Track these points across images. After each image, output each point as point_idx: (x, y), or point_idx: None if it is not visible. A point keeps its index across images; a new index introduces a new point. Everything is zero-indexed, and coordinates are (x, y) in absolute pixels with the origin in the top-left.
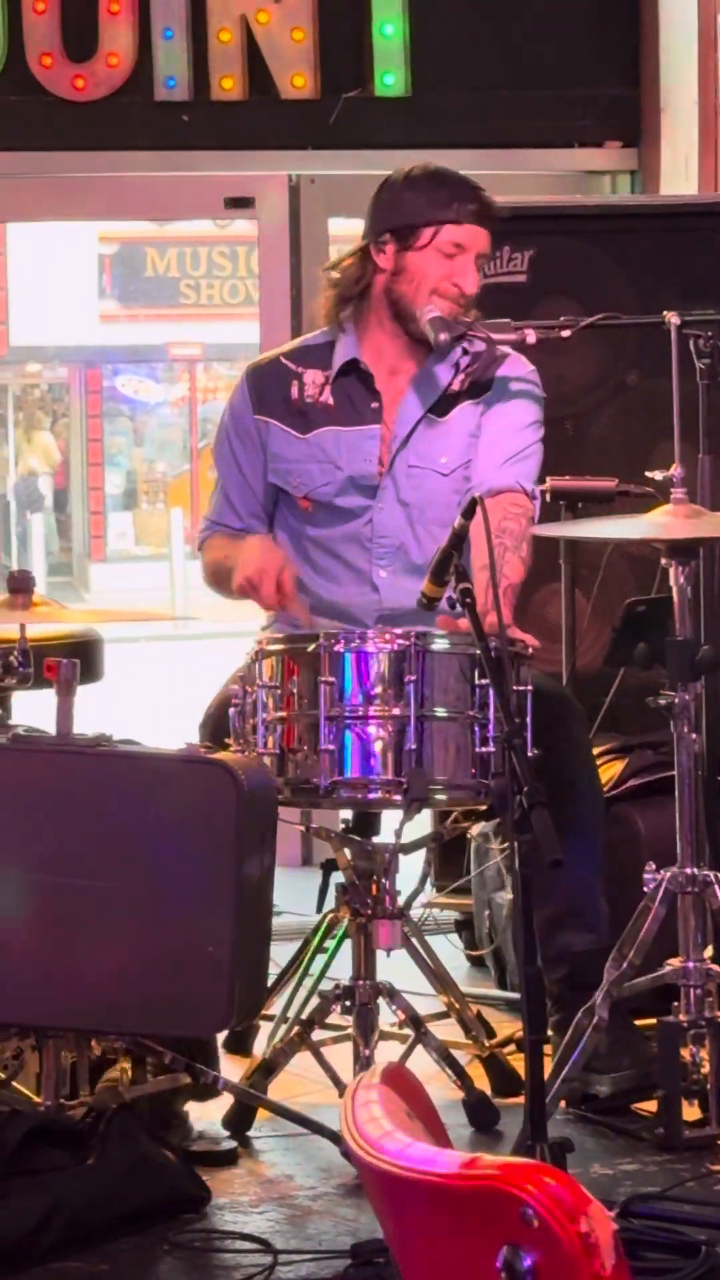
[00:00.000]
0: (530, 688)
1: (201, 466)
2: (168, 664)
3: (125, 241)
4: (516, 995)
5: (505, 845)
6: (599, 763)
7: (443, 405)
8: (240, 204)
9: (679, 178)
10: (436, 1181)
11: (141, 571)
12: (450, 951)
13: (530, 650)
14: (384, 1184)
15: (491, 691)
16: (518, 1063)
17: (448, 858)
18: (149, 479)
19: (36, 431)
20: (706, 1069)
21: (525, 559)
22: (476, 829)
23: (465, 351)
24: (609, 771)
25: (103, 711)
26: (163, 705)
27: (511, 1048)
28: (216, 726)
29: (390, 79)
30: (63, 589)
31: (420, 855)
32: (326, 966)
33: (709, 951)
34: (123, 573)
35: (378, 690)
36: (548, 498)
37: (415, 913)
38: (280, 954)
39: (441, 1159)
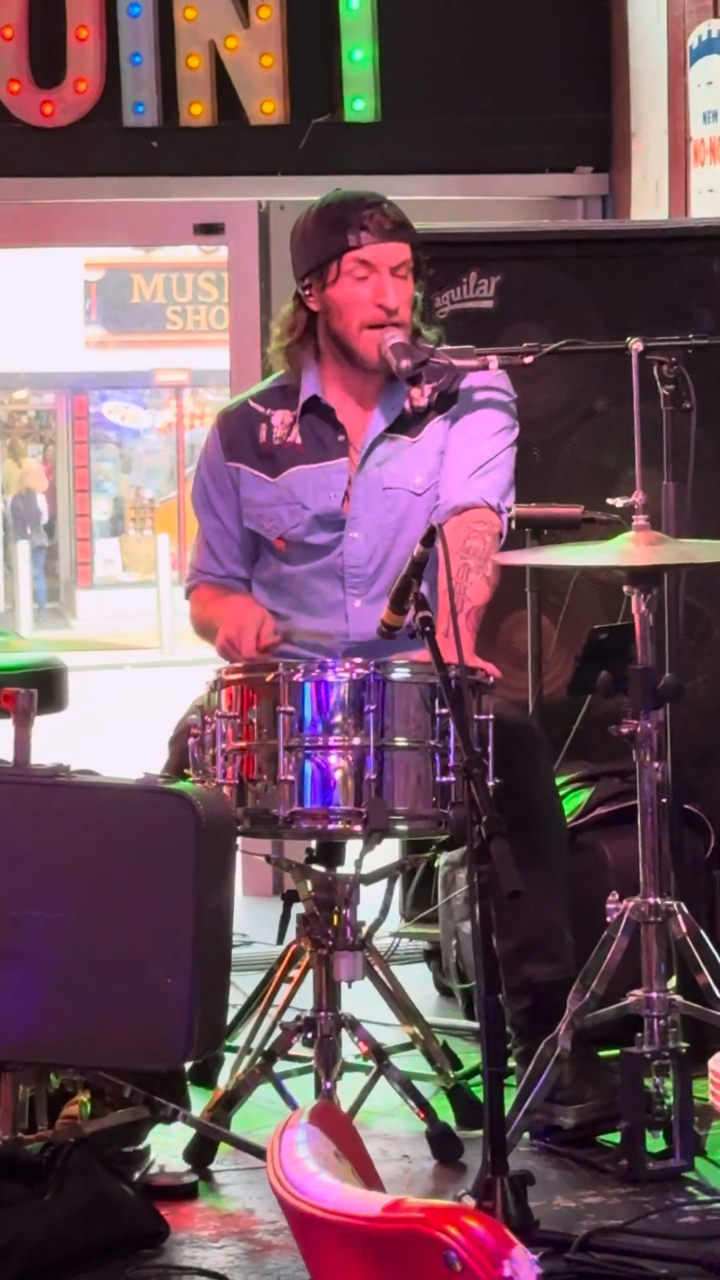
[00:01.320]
0: (491, 717)
1: (188, 493)
2: (154, 691)
3: (111, 268)
4: None
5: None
6: (565, 791)
7: (414, 424)
8: (210, 230)
9: (649, 203)
10: (359, 1224)
11: (128, 598)
12: (421, 981)
13: (491, 679)
14: (308, 1226)
15: (452, 721)
16: (483, 1094)
17: (417, 887)
18: (136, 505)
19: (24, 457)
20: (670, 1100)
21: (490, 579)
22: (445, 858)
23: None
24: (575, 800)
25: (77, 740)
26: (147, 733)
27: (477, 1079)
28: (184, 747)
29: (360, 104)
30: (49, 615)
31: (384, 885)
32: (290, 997)
33: (672, 982)
34: (109, 599)
35: (337, 720)
36: (513, 525)
37: (383, 942)
38: (249, 984)
39: (365, 1201)
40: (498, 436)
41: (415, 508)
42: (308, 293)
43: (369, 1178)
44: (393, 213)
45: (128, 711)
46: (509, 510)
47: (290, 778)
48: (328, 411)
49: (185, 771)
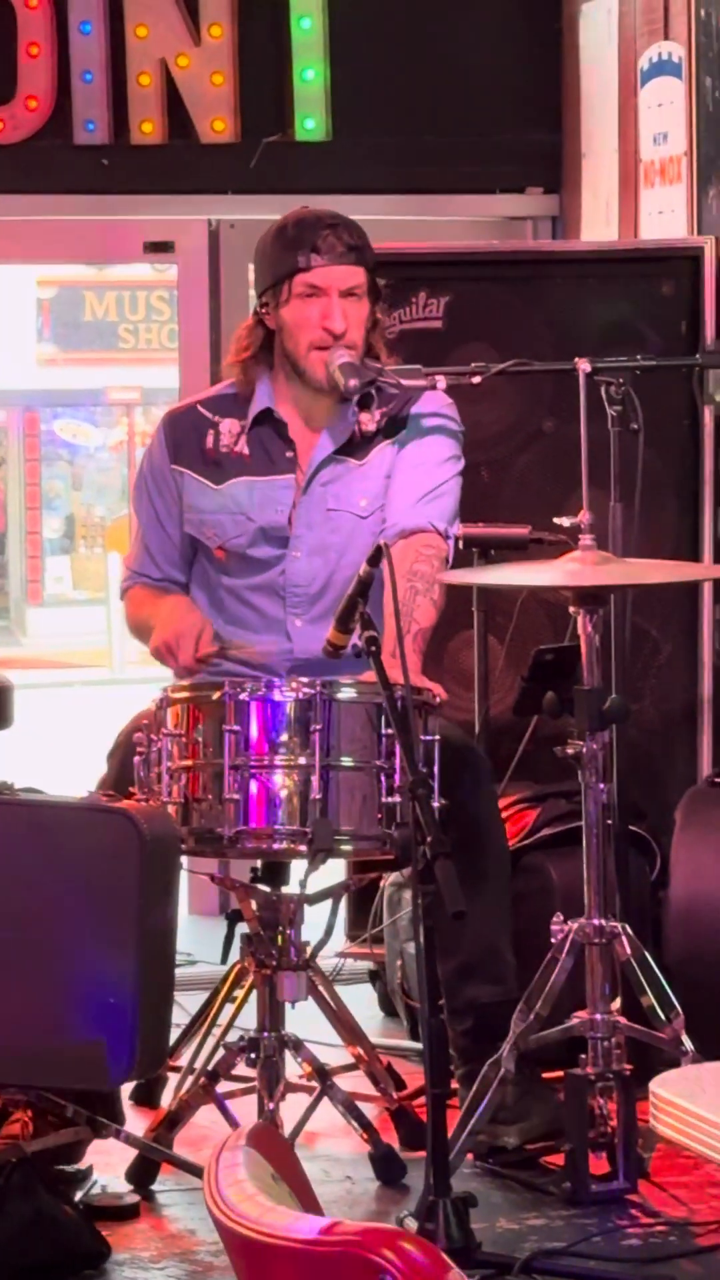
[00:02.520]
0: (437, 737)
1: None
2: (103, 709)
3: (63, 285)
4: None
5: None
6: (511, 812)
7: (361, 448)
8: (160, 248)
9: (600, 224)
10: (295, 1246)
11: (79, 616)
12: (365, 1001)
13: (438, 700)
14: (244, 1248)
15: (398, 741)
16: (426, 1115)
17: (361, 907)
18: (87, 523)
19: None
20: (614, 1123)
21: (437, 602)
22: (390, 879)
23: (365, 396)
24: (521, 821)
25: (23, 758)
26: (94, 751)
27: (421, 1100)
28: (124, 758)
29: (311, 124)
30: None
31: (328, 905)
32: (234, 1017)
33: (616, 1004)
34: (60, 617)
35: (283, 739)
36: (460, 545)
37: (328, 963)
38: (194, 1003)
39: (301, 1224)
40: (445, 464)
41: (360, 530)
42: (264, 310)
43: (306, 1200)
44: (348, 235)
45: (76, 730)
46: (455, 537)
47: (235, 797)
48: (280, 426)
49: (130, 789)
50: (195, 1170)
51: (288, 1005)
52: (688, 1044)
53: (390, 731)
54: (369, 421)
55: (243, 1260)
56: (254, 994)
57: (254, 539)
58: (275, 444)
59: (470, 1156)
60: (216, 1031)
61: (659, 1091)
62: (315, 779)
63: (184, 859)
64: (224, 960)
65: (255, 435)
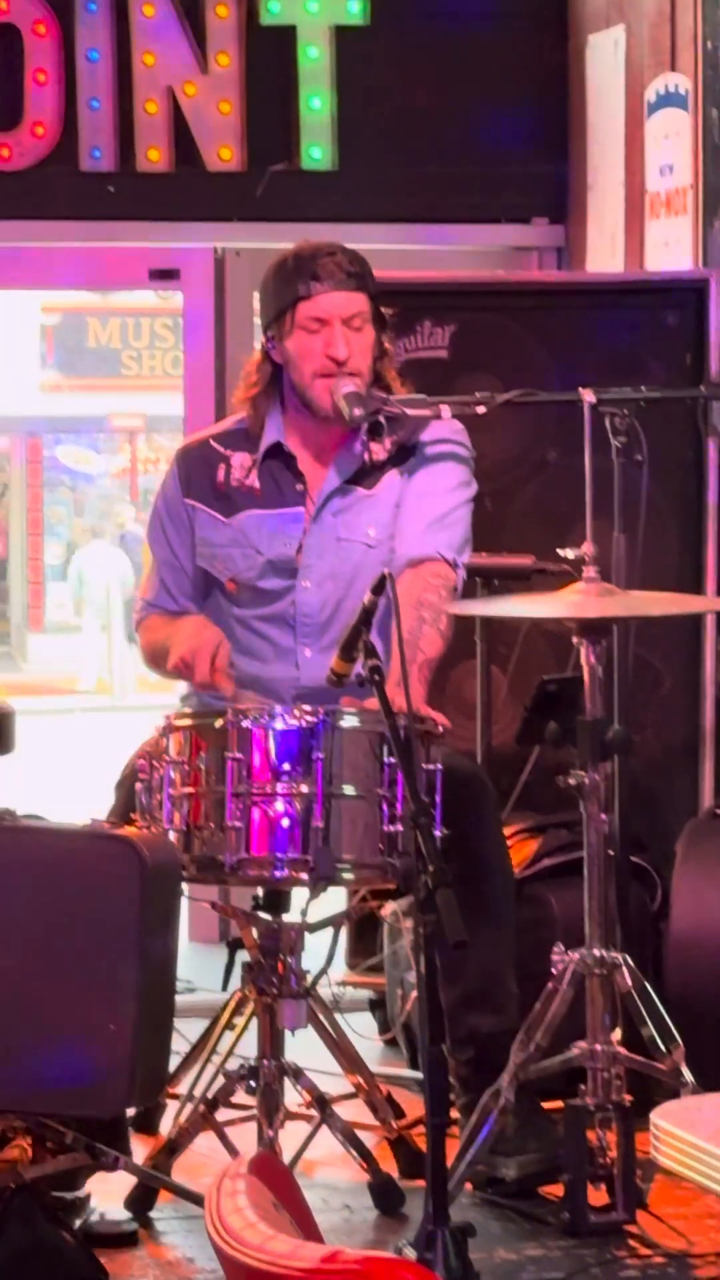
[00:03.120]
0: (440, 766)
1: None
2: (103, 735)
3: (68, 311)
4: None
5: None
6: (513, 842)
7: (370, 477)
8: (165, 276)
9: (605, 255)
10: (297, 1275)
11: (80, 642)
12: (365, 1030)
13: (441, 729)
14: (246, 1276)
15: (400, 770)
16: (426, 1145)
17: (363, 936)
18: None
19: None
20: (613, 1153)
21: (444, 632)
22: (390, 907)
23: (375, 425)
24: (523, 851)
25: (24, 785)
26: (95, 778)
27: (420, 1129)
28: (130, 791)
29: (317, 153)
30: (0, 659)
31: (329, 933)
32: (235, 1045)
33: (617, 1034)
34: (61, 643)
35: (285, 767)
36: (463, 575)
37: (329, 991)
38: (193, 1031)
39: (302, 1252)
40: (455, 491)
41: (369, 559)
42: (271, 345)
43: (308, 1229)
44: (348, 263)
45: (77, 756)
46: (464, 565)
47: (237, 824)
48: (290, 459)
49: (132, 816)
50: (194, 1198)
51: (288, 1033)
52: (687, 1075)
53: (393, 760)
54: (380, 451)
55: None
56: (254, 1022)
57: (263, 571)
58: (285, 477)
59: (469, 1186)
60: (216, 1059)
61: (659, 1122)
62: (317, 807)
63: (185, 886)
64: (224, 988)
65: (266, 469)
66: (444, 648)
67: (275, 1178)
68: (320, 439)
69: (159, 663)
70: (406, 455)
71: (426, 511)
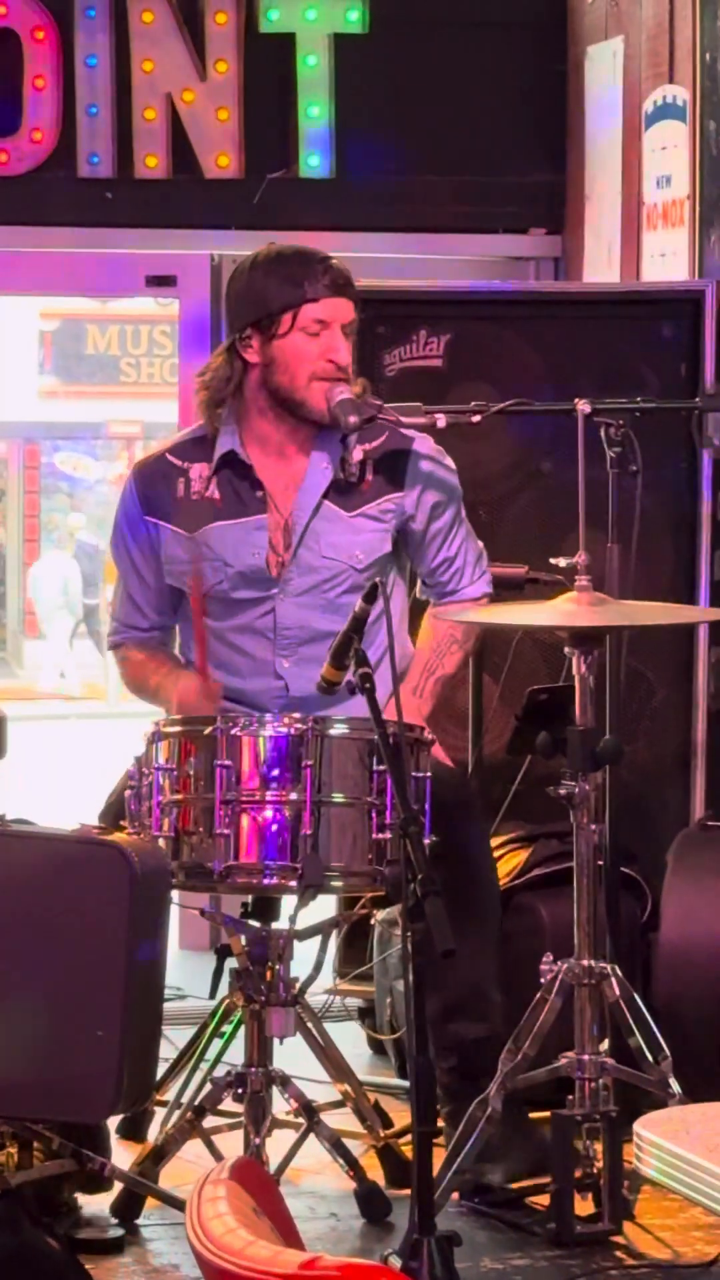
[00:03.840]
0: (429, 774)
1: None
2: (97, 742)
3: (66, 318)
4: None
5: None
6: (503, 852)
7: (353, 498)
8: (162, 282)
9: (602, 265)
10: None
11: (76, 648)
12: (353, 1038)
13: (430, 736)
14: None
15: (389, 778)
16: (413, 1153)
17: (352, 943)
18: None
19: None
20: (600, 1163)
21: (468, 650)
22: (381, 915)
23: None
24: (513, 861)
25: (17, 790)
26: (87, 784)
27: (407, 1138)
28: (117, 815)
29: (315, 161)
30: None
31: (318, 941)
32: (222, 1052)
33: (605, 1045)
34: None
35: (275, 774)
36: None
37: (317, 999)
38: (182, 1037)
39: (282, 1258)
40: (462, 518)
41: (355, 579)
42: (246, 345)
43: (289, 1235)
44: (340, 270)
45: (70, 762)
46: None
47: (226, 832)
48: (245, 468)
49: (121, 823)
50: (181, 1204)
51: (276, 1041)
52: (675, 1086)
53: (382, 768)
54: (354, 456)
55: None
56: (242, 1029)
57: (235, 583)
58: (243, 485)
59: (455, 1195)
60: (204, 1066)
61: (643, 1132)
62: (306, 815)
63: (174, 893)
64: (213, 995)
65: (224, 478)
66: (460, 664)
67: (256, 1183)
68: (281, 445)
69: (141, 696)
70: (391, 470)
71: (470, 552)
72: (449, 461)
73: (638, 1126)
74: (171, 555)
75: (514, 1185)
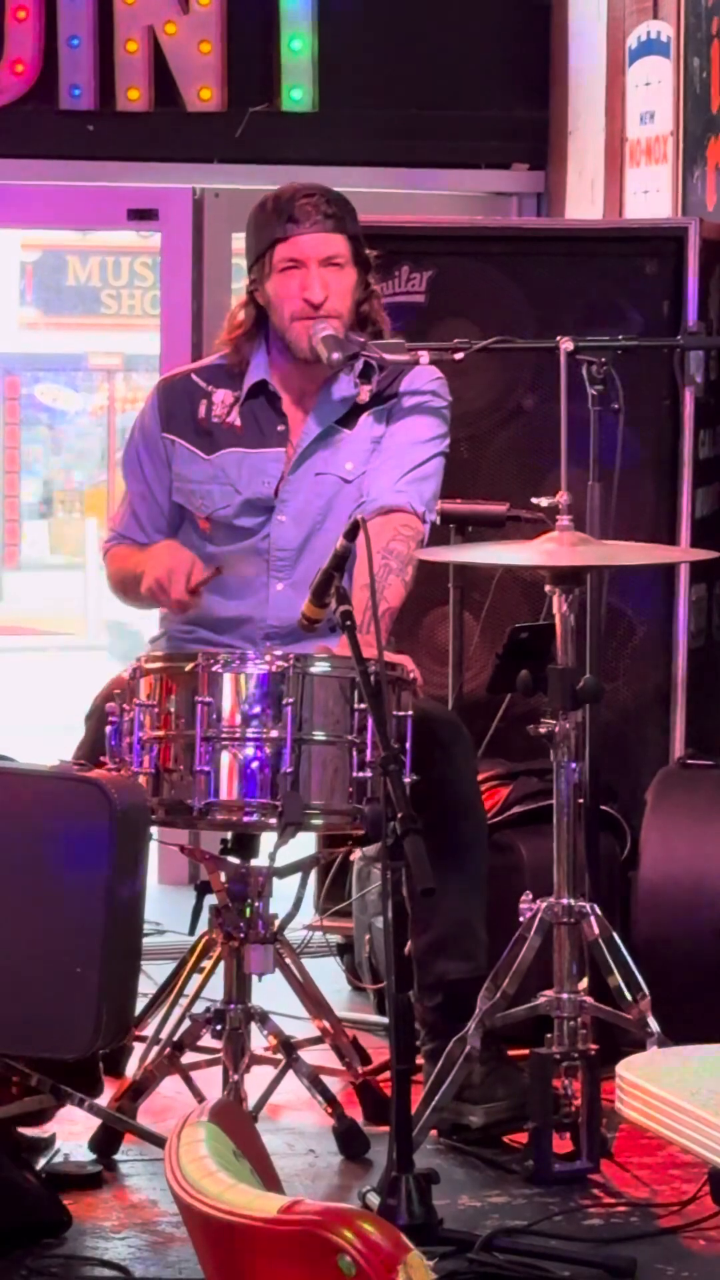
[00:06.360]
0: (410, 713)
1: (118, 477)
2: (76, 675)
3: (47, 249)
4: None
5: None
6: (484, 789)
7: (349, 416)
8: (144, 216)
9: (584, 202)
10: (255, 1225)
11: (56, 580)
12: (332, 975)
13: (412, 675)
14: (204, 1226)
15: (370, 716)
16: (391, 1090)
17: (334, 880)
18: (65, 488)
19: None
20: (578, 1102)
21: (408, 583)
22: (360, 853)
23: (367, 366)
24: (493, 798)
25: None
26: (67, 718)
27: (386, 1075)
28: (99, 723)
29: (298, 94)
30: None
31: (297, 878)
32: (201, 988)
33: (584, 984)
34: (37, 581)
35: (255, 711)
36: (438, 520)
37: (297, 935)
38: (160, 973)
39: (261, 1201)
40: (432, 443)
41: (343, 494)
42: (254, 287)
43: (268, 1178)
44: (325, 203)
45: (49, 695)
46: (433, 520)
47: (206, 768)
48: (274, 398)
49: (101, 759)
50: (159, 1140)
51: (254, 978)
52: (653, 1025)
53: (363, 706)
54: (367, 392)
55: (203, 1237)
56: (221, 965)
57: (239, 510)
58: (267, 416)
59: (434, 1133)
60: (183, 1002)
61: (625, 1074)
62: (287, 752)
63: (154, 829)
64: (192, 931)
65: (249, 407)
66: (405, 598)
67: (235, 1125)
68: (302, 383)
69: (127, 590)
70: (386, 399)
71: (404, 461)
72: (442, 389)
73: (620, 1069)
74: (182, 473)
75: (493, 1124)
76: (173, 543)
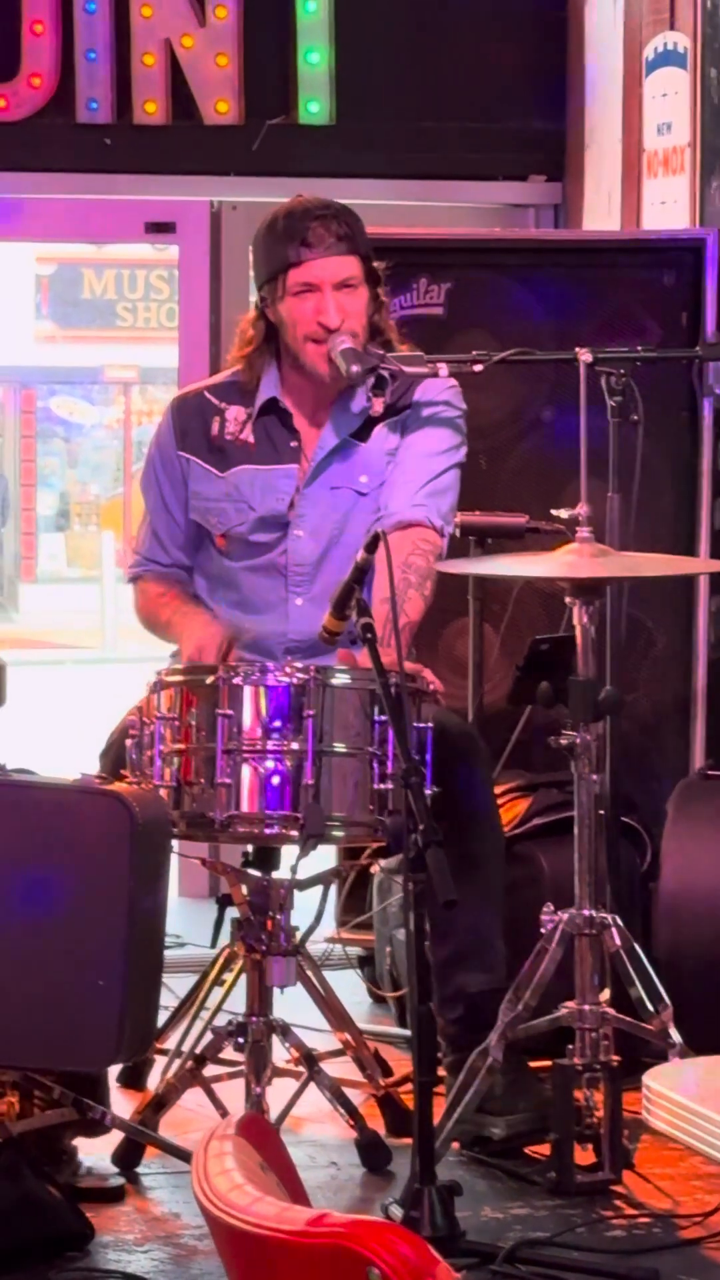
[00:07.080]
0: (431, 725)
1: (134, 490)
2: (94, 688)
3: (63, 263)
4: None
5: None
6: (504, 801)
7: (363, 429)
8: (161, 229)
9: (601, 213)
10: (283, 1238)
11: (72, 593)
12: (354, 987)
13: (431, 686)
14: (231, 1238)
15: (391, 728)
16: (413, 1102)
17: (353, 893)
18: (81, 501)
19: None
20: (600, 1113)
21: (427, 597)
22: (381, 865)
23: (380, 379)
24: (513, 810)
25: (15, 738)
26: (84, 731)
27: (407, 1087)
28: (117, 757)
29: (314, 107)
30: None
31: (319, 891)
32: (223, 1001)
33: (605, 995)
34: (53, 594)
35: (276, 724)
36: (457, 533)
37: (318, 948)
38: (182, 986)
39: (289, 1214)
40: (448, 454)
41: (359, 507)
42: (267, 305)
43: (295, 1191)
44: (337, 225)
45: (67, 708)
46: (451, 533)
47: (227, 781)
48: (285, 415)
49: (122, 772)
50: (181, 1154)
51: (276, 990)
52: (675, 1036)
53: (383, 718)
54: (379, 405)
55: (231, 1249)
56: (243, 978)
57: (254, 526)
58: (280, 433)
59: (456, 1145)
60: (205, 1015)
61: (652, 1084)
62: (308, 764)
63: (175, 842)
64: (213, 944)
65: (261, 424)
66: (424, 612)
67: (262, 1139)
68: (315, 397)
69: (154, 629)
70: (400, 409)
71: (421, 474)
72: (456, 399)
73: (646, 1079)
74: (198, 491)
75: (515, 1135)
76: (203, 617)
